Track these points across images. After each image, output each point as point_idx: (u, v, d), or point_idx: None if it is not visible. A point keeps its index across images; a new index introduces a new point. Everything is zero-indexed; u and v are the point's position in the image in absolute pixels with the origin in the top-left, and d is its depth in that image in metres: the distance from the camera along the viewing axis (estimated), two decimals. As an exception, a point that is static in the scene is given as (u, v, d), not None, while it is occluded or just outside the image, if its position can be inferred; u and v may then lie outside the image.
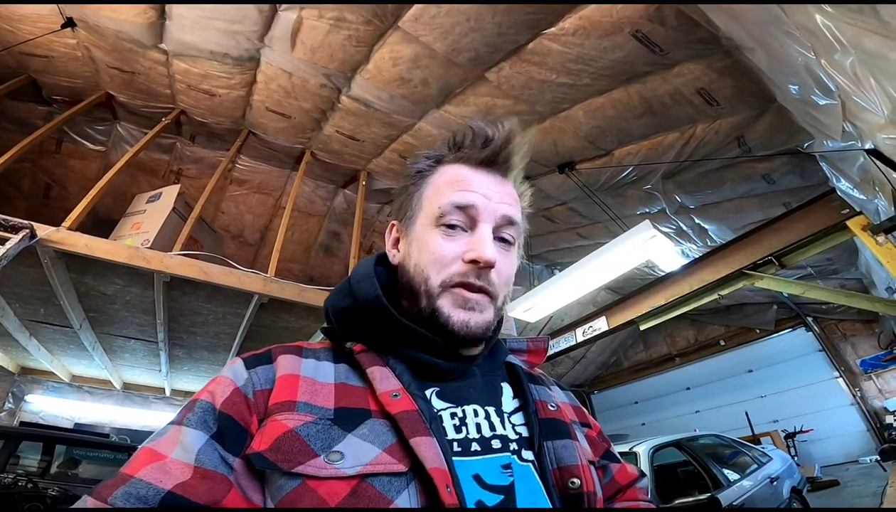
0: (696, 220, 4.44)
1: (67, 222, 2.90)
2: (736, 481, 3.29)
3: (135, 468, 0.44)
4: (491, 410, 0.57)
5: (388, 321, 0.58)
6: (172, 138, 4.38)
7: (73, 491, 3.24)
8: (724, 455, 3.77)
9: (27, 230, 2.60)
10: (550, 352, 4.90)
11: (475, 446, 0.52)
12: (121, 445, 4.57)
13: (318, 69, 3.41)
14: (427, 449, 0.46)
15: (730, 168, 3.75)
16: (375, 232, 5.08)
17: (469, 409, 0.55)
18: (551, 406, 0.61)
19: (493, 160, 0.63)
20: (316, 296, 3.43)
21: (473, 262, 0.57)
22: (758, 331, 7.43)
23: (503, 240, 0.62)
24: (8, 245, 2.38)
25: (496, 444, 0.53)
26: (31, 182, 4.24)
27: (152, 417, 6.58)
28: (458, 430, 0.53)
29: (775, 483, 3.56)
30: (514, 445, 0.54)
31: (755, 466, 3.72)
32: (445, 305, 0.57)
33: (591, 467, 0.58)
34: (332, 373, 0.57)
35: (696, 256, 4.11)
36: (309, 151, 4.42)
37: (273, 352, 0.59)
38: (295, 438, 0.46)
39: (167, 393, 6.52)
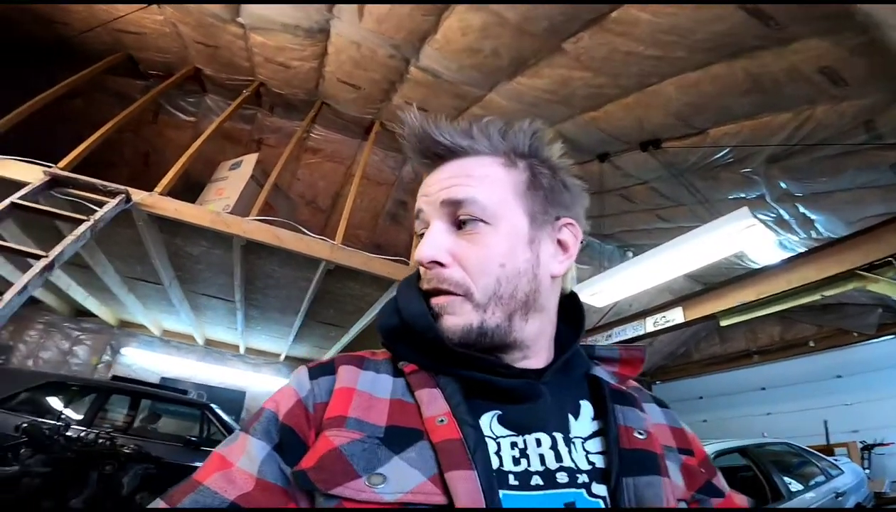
0: (802, 210, 3.93)
1: (159, 188, 3.12)
2: (798, 493, 3.10)
3: (204, 475, 0.46)
4: (559, 436, 0.49)
5: (433, 338, 0.52)
6: (253, 109, 4.55)
7: (146, 449, 3.49)
8: (791, 464, 3.54)
9: (123, 195, 2.81)
10: (616, 339, 4.66)
11: (536, 480, 0.45)
12: (196, 402, 4.90)
13: (385, 39, 3.36)
14: (462, 484, 0.41)
15: (852, 155, 3.25)
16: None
17: (532, 438, 0.48)
18: (639, 434, 0.51)
19: (431, 155, 0.58)
20: (380, 265, 3.47)
21: (421, 266, 0.54)
22: (855, 334, 6.63)
23: (462, 224, 0.54)
24: (105, 208, 2.58)
25: (562, 477, 0.46)
26: (132, 150, 4.61)
27: (228, 374, 7.14)
28: (517, 461, 0.47)
29: (840, 498, 3.31)
30: (583, 478, 0.46)
31: (822, 478, 3.46)
32: None
33: (683, 504, 0.50)
34: (391, 387, 0.53)
35: (800, 251, 3.65)
36: (378, 122, 4.42)
37: (336, 362, 0.56)
38: (338, 456, 0.44)
39: (242, 351, 7.03)
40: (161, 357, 6.84)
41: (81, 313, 6.41)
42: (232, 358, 7.16)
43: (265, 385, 7.26)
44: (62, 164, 2.89)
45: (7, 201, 2.36)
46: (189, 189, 3.93)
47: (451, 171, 0.56)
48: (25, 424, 3.03)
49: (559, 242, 0.57)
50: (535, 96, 3.48)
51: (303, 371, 0.55)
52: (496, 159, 0.56)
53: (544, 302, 0.55)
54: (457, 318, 0.51)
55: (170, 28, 3.70)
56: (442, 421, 0.46)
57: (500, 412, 0.50)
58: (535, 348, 0.55)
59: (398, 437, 0.46)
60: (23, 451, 2.88)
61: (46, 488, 2.75)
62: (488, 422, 0.49)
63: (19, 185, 2.58)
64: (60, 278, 4.80)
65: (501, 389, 0.50)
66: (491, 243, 0.52)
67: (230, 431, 4.39)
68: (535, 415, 0.50)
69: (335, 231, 3.55)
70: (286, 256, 3.48)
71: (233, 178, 3.83)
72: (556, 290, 0.58)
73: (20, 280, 2.10)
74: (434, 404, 0.48)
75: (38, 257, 2.21)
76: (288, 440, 0.48)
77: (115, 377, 5.41)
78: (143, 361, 6.76)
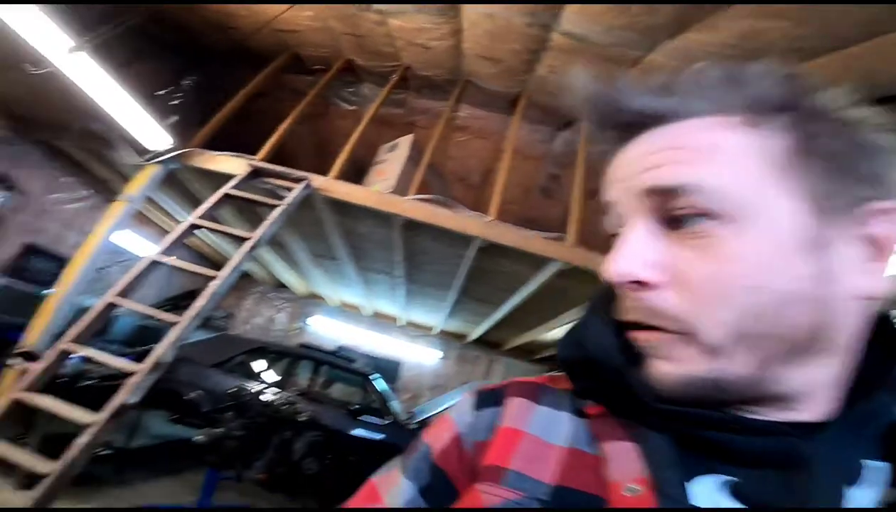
0: None
1: (332, 173, 3.46)
2: None
3: (354, 503, 0.45)
4: None
5: (633, 387, 0.37)
6: (403, 93, 4.78)
7: (317, 416, 3.80)
8: None
9: (306, 181, 3.20)
10: None
11: None
12: (361, 372, 5.32)
13: (518, 7, 3.17)
14: None
15: None
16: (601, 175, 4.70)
17: None
18: None
19: (620, 124, 0.41)
20: (533, 243, 3.34)
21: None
22: None
23: (679, 222, 0.35)
24: (293, 194, 2.97)
25: None
26: (309, 141, 5.27)
27: (388, 344, 7.86)
28: None
29: None
30: None
31: None
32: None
33: None
34: (569, 431, 0.40)
35: None
36: (524, 95, 4.25)
37: (507, 390, 0.46)
38: None
39: (402, 323, 7.68)
40: (338, 325, 7.89)
41: (281, 285, 7.75)
42: (393, 329, 7.89)
43: (419, 356, 7.86)
44: (260, 156, 3.41)
45: (221, 192, 2.88)
46: (357, 173, 4.30)
47: (657, 143, 0.38)
48: (234, 389, 3.60)
49: (868, 240, 0.35)
50: (712, 53, 2.93)
51: (468, 399, 0.47)
52: (727, 119, 0.37)
53: (837, 336, 0.35)
54: (673, 365, 0.35)
55: (320, 23, 4.04)
56: (633, 490, 0.33)
57: (731, 479, 0.34)
58: (809, 399, 0.36)
59: (569, 502, 0.35)
60: (228, 414, 3.36)
61: (241, 450, 3.20)
62: (709, 491, 0.33)
63: (228, 177, 3.11)
64: (266, 256, 5.80)
65: (735, 449, 0.34)
66: (733, 253, 0.33)
67: (385, 401, 4.79)
68: (793, 487, 0.32)
69: (487, 206, 3.52)
70: (439, 233, 3.58)
71: (391, 160, 4.07)
72: (860, 314, 0.35)
73: (233, 259, 2.54)
74: (625, 464, 0.35)
75: (245, 239, 2.64)
76: (437, 484, 0.43)
77: (302, 345, 6.25)
78: (324, 329, 7.88)
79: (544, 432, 0.40)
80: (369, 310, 7.51)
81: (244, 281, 7.93)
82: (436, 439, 0.45)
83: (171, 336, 2.28)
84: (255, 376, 4.51)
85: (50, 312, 3.17)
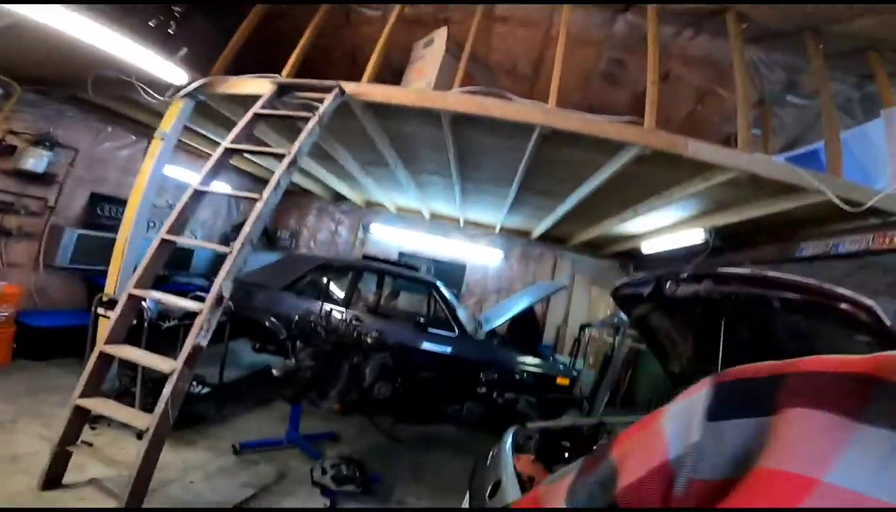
0: None
1: (365, 77, 3.15)
2: None
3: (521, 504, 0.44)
4: None
5: None
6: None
7: (383, 337, 3.57)
8: None
9: (336, 88, 2.90)
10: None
11: None
12: (425, 280, 5.20)
13: None
14: None
15: None
16: (672, 58, 3.91)
17: None
18: None
19: None
20: (606, 128, 2.87)
21: None
22: None
23: None
24: (325, 103, 2.71)
25: None
26: (339, 53, 4.80)
27: (450, 246, 7.81)
28: None
29: None
30: None
31: None
32: None
33: None
34: None
35: None
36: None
37: (784, 386, 0.23)
38: None
39: (461, 224, 7.51)
40: (397, 232, 7.91)
41: (339, 198, 7.76)
42: (453, 230, 7.77)
43: (482, 258, 7.78)
44: (284, 73, 3.16)
45: (250, 113, 2.68)
46: (395, 76, 3.96)
47: None
48: (297, 318, 3.48)
49: None
50: None
51: (699, 396, 0.27)
52: None
53: None
54: None
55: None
56: None
57: None
58: None
59: None
60: (298, 344, 3.30)
61: (313, 381, 3.15)
62: None
63: (256, 98, 2.89)
64: (317, 171, 5.70)
65: None
66: None
67: (452, 310, 4.70)
68: None
69: (542, 97, 3.08)
70: (493, 126, 3.21)
71: (429, 56, 3.67)
72: None
73: (273, 177, 2.39)
74: None
75: (282, 156, 2.46)
76: None
77: (365, 256, 6.25)
78: (384, 237, 7.95)
79: (871, 486, 0.21)
80: (427, 213, 7.39)
81: (303, 198, 8.03)
82: (625, 464, 0.28)
83: (225, 267, 2.24)
84: (324, 296, 4.52)
85: (120, 255, 3.32)
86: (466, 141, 3.71)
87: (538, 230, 6.74)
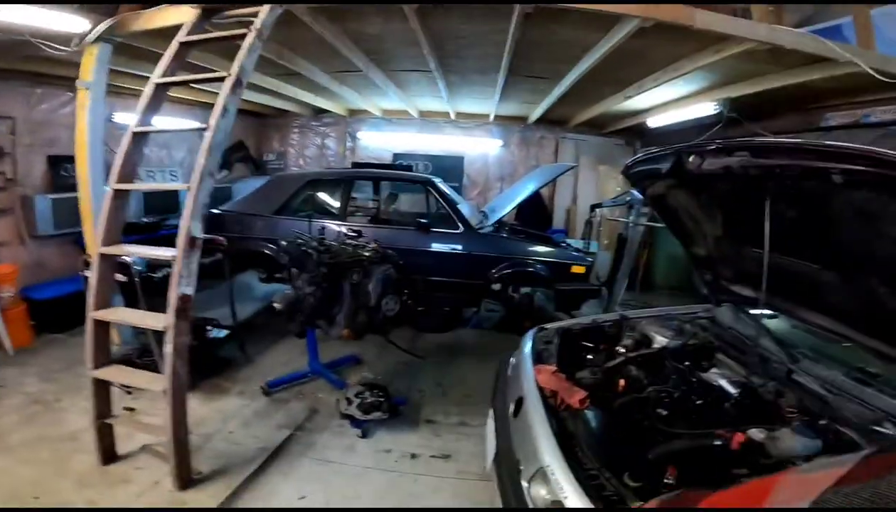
0: None
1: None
2: None
3: None
4: None
5: None
6: None
7: (382, 248, 3.34)
8: None
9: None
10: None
11: None
12: (419, 179, 4.83)
13: None
14: None
15: None
16: None
17: None
18: None
19: None
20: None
21: None
22: None
23: None
24: (261, 17, 2.28)
25: None
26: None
27: (445, 141, 7.35)
28: None
29: None
30: None
31: None
32: None
33: None
34: None
35: None
36: None
37: None
38: None
39: (452, 117, 6.97)
40: (388, 135, 7.44)
41: (320, 112, 7.20)
42: (445, 125, 7.27)
43: (479, 148, 7.37)
44: None
45: (175, 43, 2.31)
46: None
47: None
48: (284, 243, 3.23)
49: None
50: None
51: None
52: None
53: None
54: None
55: None
56: None
57: None
58: None
59: None
60: (293, 271, 3.07)
61: (317, 308, 2.95)
62: None
63: (180, 27, 2.47)
64: (287, 89, 5.23)
65: None
66: None
67: (452, 205, 4.37)
68: None
69: None
70: (470, 11, 2.74)
71: None
72: None
73: (217, 103, 2.12)
74: None
75: (222, 79, 2.16)
76: None
77: (354, 164, 5.69)
78: (375, 142, 7.50)
79: None
80: (414, 111, 6.84)
81: (281, 119, 7.50)
82: None
83: (188, 206, 2.06)
84: (317, 213, 4.23)
85: (88, 214, 3.16)
86: (440, 32, 3.22)
87: (534, 115, 6.26)
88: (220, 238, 3.29)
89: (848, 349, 1.66)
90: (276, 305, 2.96)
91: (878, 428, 1.30)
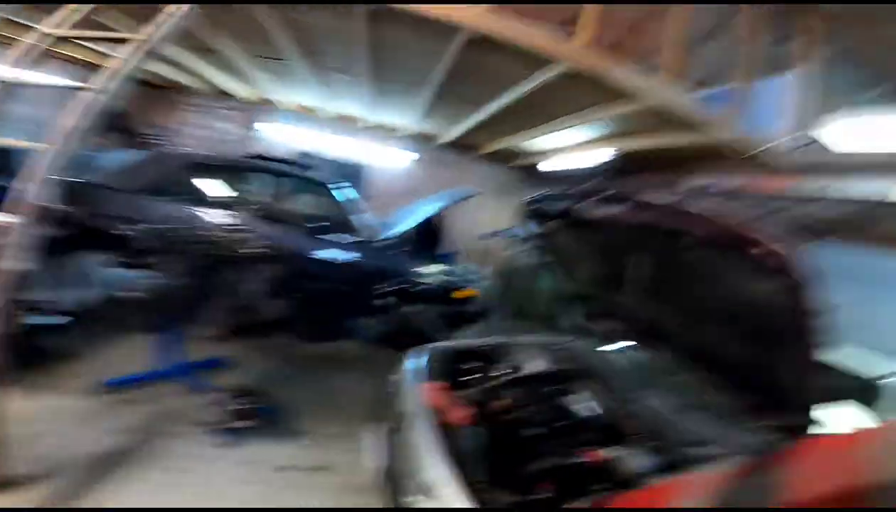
0: None
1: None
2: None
3: None
4: None
5: None
6: None
7: (271, 253, 3.13)
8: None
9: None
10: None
11: None
12: (317, 180, 4.41)
13: None
14: None
15: None
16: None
17: None
18: None
19: None
20: (535, 39, 2.65)
21: None
22: None
23: None
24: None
25: None
26: None
27: (356, 148, 7.24)
28: None
29: None
30: None
31: None
32: None
33: None
34: None
35: None
36: None
37: None
38: None
39: (368, 125, 6.94)
40: (297, 131, 7.09)
41: (225, 94, 6.57)
42: (359, 132, 7.18)
43: (390, 160, 7.43)
44: None
45: None
46: None
47: None
48: (153, 226, 2.90)
49: None
50: None
51: None
52: None
53: None
54: None
55: None
56: None
57: None
58: None
59: None
60: (160, 259, 2.76)
61: (188, 300, 2.68)
62: None
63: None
64: (195, 64, 4.81)
65: None
66: None
67: (351, 212, 4.14)
68: None
69: None
70: (418, 24, 2.84)
71: None
72: None
73: (115, 64, 1.86)
74: None
75: (125, 41, 1.91)
76: None
77: (252, 156, 5.05)
78: (281, 137, 7.09)
79: None
80: (330, 112, 6.63)
81: (177, 93, 6.68)
82: None
83: (34, 167, 1.74)
84: (194, 199, 3.64)
85: None
86: (384, 38, 3.27)
87: (449, 135, 6.49)
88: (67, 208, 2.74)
89: (688, 380, 1.92)
90: (134, 294, 2.55)
91: (705, 450, 1.52)
